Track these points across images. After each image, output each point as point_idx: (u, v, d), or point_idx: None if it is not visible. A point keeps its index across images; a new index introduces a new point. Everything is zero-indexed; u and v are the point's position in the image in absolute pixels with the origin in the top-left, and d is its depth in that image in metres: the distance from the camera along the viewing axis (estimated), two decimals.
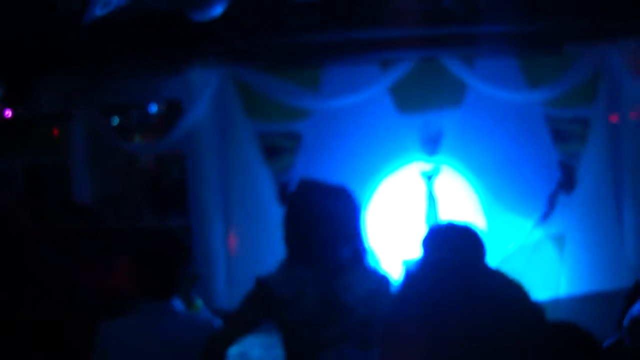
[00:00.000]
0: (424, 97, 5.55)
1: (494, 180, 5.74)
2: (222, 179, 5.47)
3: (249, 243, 5.56)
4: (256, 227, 5.40)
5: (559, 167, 5.95)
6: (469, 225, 2.86)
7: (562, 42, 5.82)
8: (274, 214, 5.48)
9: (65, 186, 5.95)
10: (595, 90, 5.94)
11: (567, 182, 5.96)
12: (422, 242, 2.83)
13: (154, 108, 6.14)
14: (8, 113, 6.32)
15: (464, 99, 5.71)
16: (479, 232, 2.82)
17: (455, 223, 3.10)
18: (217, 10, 4.40)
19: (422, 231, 2.88)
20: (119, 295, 2.54)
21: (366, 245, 2.72)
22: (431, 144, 5.43)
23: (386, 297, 2.57)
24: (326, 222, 2.59)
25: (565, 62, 5.83)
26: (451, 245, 2.74)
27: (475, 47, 5.49)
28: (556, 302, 5.86)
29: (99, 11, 4.26)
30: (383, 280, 2.65)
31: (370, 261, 2.67)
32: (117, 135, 5.82)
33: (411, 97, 5.60)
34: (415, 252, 2.79)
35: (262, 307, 2.53)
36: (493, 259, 5.65)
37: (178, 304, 2.45)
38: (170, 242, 2.47)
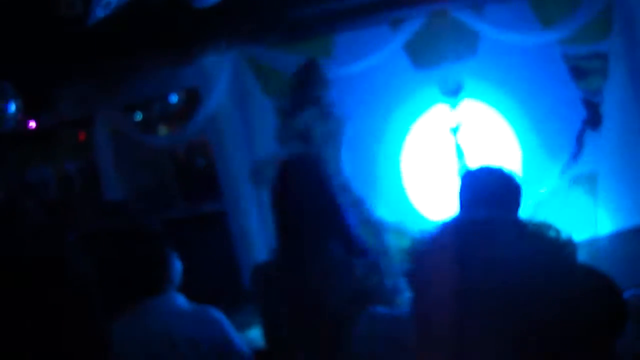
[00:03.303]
0: (439, 51, 5.52)
1: (519, 125, 5.72)
2: (250, 160, 5.52)
3: None
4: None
5: (583, 105, 5.88)
6: (503, 168, 2.87)
7: None
8: None
9: (97, 188, 6.05)
10: (609, 23, 5.83)
11: (592, 119, 5.89)
12: (459, 187, 2.83)
13: (174, 99, 6.20)
14: (32, 124, 6.43)
15: (478, 47, 5.68)
16: (514, 175, 2.82)
17: (490, 167, 3.10)
18: None
19: (454, 182, 2.88)
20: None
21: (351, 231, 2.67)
22: (452, 96, 5.42)
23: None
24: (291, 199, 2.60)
25: None
26: (488, 190, 2.73)
27: None
28: (595, 242, 5.84)
29: (100, 12, 4.29)
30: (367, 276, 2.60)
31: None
32: (140, 130, 5.91)
33: (426, 52, 5.59)
34: (451, 201, 2.80)
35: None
36: (527, 205, 5.68)
37: (181, 298, 2.39)
38: (149, 238, 2.43)
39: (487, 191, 2.72)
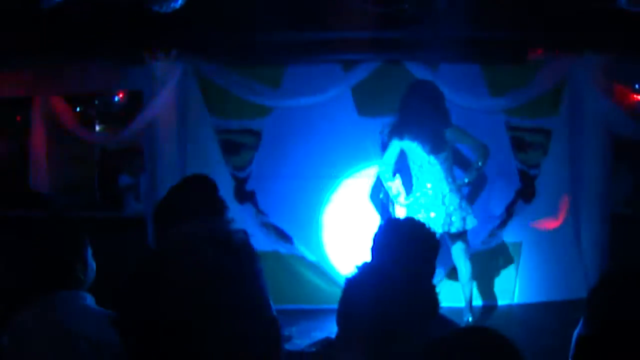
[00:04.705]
0: (386, 101, 5.53)
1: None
2: (180, 173, 5.42)
3: None
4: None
5: (519, 176, 5.97)
6: (424, 224, 2.86)
7: (527, 51, 5.84)
8: (231, 211, 5.48)
9: (24, 172, 5.89)
10: (558, 102, 5.94)
11: (526, 191, 5.99)
12: (373, 236, 2.82)
13: (116, 98, 6.09)
14: None
15: None
16: (429, 229, 2.81)
17: (405, 220, 3.09)
18: (177, 2, 4.37)
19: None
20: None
21: None
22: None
23: None
24: None
25: (529, 71, 5.83)
26: (401, 242, 2.72)
27: (438, 52, 5.50)
28: (510, 309, 5.91)
29: None
30: None
31: None
32: (78, 124, 5.78)
33: (373, 100, 5.59)
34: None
35: None
36: (448, 265, 5.72)
37: (89, 298, 2.37)
38: (65, 232, 2.41)
39: (399, 240, 2.72)
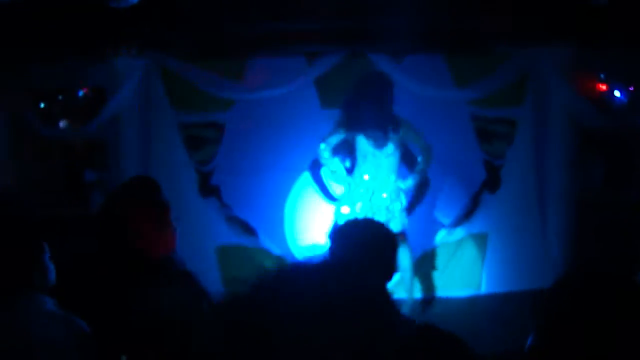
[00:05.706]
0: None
1: None
2: (144, 168, 5.42)
3: None
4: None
5: (484, 166, 5.99)
6: (376, 221, 2.87)
7: (492, 42, 5.86)
8: (195, 205, 5.49)
9: None
10: (523, 92, 5.97)
11: (491, 181, 6.02)
12: (329, 235, 2.83)
13: (81, 93, 6.07)
14: None
15: None
16: (386, 230, 2.82)
17: (363, 219, 3.10)
18: None
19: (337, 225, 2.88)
20: None
21: None
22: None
23: None
24: None
25: (494, 62, 5.84)
26: (357, 241, 2.73)
27: (402, 43, 5.51)
28: (477, 299, 5.93)
29: None
30: None
31: None
32: (41, 121, 5.74)
33: (336, 93, 5.58)
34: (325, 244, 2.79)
35: None
36: (414, 255, 5.74)
37: (49, 301, 2.34)
38: (12, 233, 2.37)
39: (358, 243, 2.72)
